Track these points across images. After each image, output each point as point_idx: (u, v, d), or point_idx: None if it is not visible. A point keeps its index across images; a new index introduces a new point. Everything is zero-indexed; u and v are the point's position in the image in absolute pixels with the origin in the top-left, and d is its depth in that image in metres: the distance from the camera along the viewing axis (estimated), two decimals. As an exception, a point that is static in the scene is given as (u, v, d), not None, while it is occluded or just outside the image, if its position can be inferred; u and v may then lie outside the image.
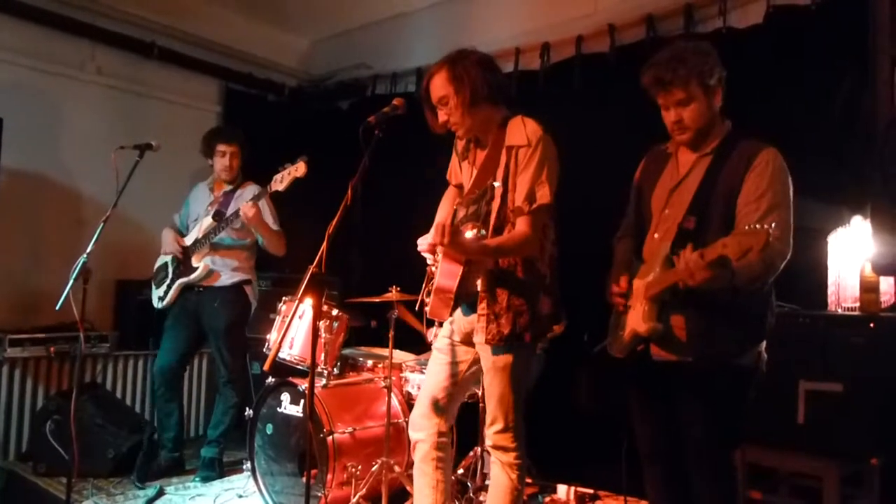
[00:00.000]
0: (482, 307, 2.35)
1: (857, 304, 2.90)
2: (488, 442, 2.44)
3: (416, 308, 2.61)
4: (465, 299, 2.41)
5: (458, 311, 2.48)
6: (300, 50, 5.98)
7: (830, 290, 3.03)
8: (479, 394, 3.00)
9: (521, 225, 2.30)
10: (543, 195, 2.29)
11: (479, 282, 2.36)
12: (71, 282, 3.01)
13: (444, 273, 2.33)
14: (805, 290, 3.01)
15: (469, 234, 2.28)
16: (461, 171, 2.61)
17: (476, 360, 2.46)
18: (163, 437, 3.96)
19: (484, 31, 4.59)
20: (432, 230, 2.51)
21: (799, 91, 3.25)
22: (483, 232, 2.28)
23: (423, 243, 2.50)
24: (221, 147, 3.93)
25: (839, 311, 2.98)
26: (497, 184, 2.34)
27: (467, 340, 2.47)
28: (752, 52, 3.37)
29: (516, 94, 4.23)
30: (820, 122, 3.16)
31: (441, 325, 2.61)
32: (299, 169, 3.48)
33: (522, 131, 2.34)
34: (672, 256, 2.11)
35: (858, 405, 2.62)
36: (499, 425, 2.38)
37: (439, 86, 2.36)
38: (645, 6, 3.88)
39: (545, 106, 3.64)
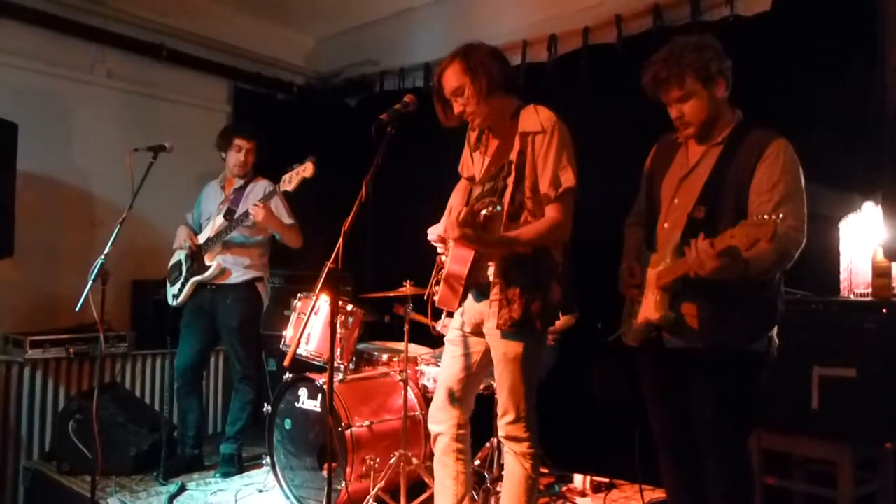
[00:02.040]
0: (495, 292, 2.36)
1: (870, 290, 2.90)
2: (501, 433, 2.46)
3: (425, 298, 2.64)
4: (475, 287, 2.44)
5: (470, 301, 2.50)
6: (307, 48, 6.01)
7: (843, 276, 3.03)
8: (494, 385, 3.03)
9: (550, 211, 2.33)
10: (568, 179, 2.32)
11: (490, 269, 2.38)
12: (90, 283, 3.06)
13: (455, 259, 2.36)
14: (817, 276, 3.01)
15: (484, 211, 2.30)
16: (473, 163, 2.63)
17: (489, 350, 2.47)
18: (184, 434, 4.01)
19: (490, 24, 4.59)
20: (443, 220, 2.54)
21: (808, 78, 3.24)
22: (498, 208, 2.30)
23: (433, 233, 2.52)
24: (238, 142, 3.96)
25: (852, 296, 2.98)
26: (513, 160, 2.37)
27: (478, 331, 2.49)
28: (760, 39, 3.37)
29: (524, 87, 4.23)
30: (830, 108, 3.15)
31: (450, 315, 2.63)
32: (307, 169, 3.50)
33: (536, 118, 2.37)
34: (682, 246, 2.13)
35: (872, 390, 2.63)
36: (510, 416, 2.41)
37: (454, 77, 2.38)
38: (651, -5, 3.88)
39: (553, 98, 3.64)
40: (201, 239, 3.95)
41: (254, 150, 3.99)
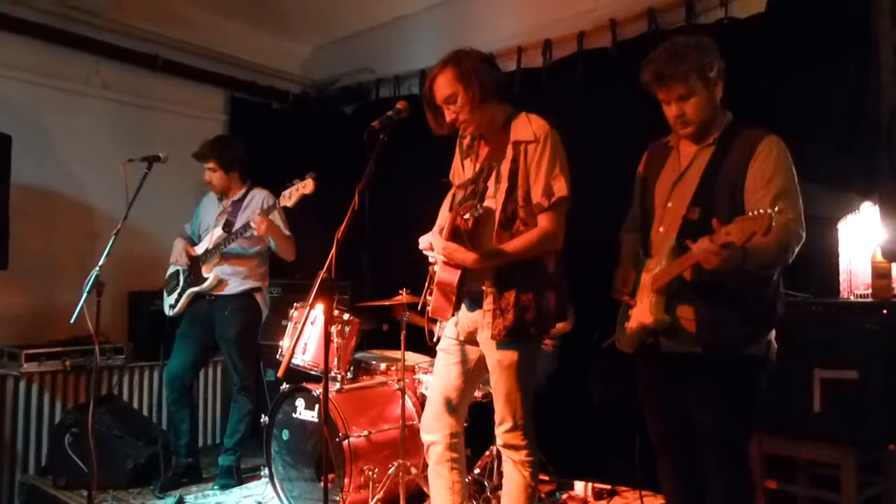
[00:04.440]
0: (488, 302, 2.35)
1: (870, 291, 2.88)
2: (499, 441, 2.44)
3: (419, 308, 2.61)
4: (468, 294, 2.41)
5: (463, 310, 2.48)
6: (303, 56, 6.00)
7: (842, 277, 3.01)
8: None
9: (542, 221, 2.32)
10: (560, 188, 2.31)
11: (483, 277, 2.36)
12: (84, 295, 3.04)
13: (446, 267, 2.34)
14: (817, 278, 3.00)
15: (466, 216, 2.29)
16: (463, 170, 2.61)
17: (483, 359, 2.45)
18: (176, 443, 3.97)
19: (485, 30, 4.59)
20: (434, 228, 2.52)
21: (804, 79, 3.22)
22: (479, 209, 2.28)
23: (424, 241, 2.50)
24: (205, 165, 3.96)
25: (852, 298, 2.96)
26: (494, 164, 2.36)
27: (472, 339, 2.47)
28: (755, 41, 3.35)
29: (519, 93, 4.23)
30: (827, 108, 3.14)
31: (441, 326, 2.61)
32: (307, 186, 3.48)
33: (528, 127, 2.36)
34: (678, 249, 2.12)
35: (874, 392, 2.60)
36: (508, 424, 2.38)
37: (446, 85, 2.36)
38: (645, -1, 3.87)
39: (549, 103, 3.63)
40: (199, 250, 3.93)
41: (218, 167, 3.92)
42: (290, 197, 3.55)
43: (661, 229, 2.29)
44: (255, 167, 4.12)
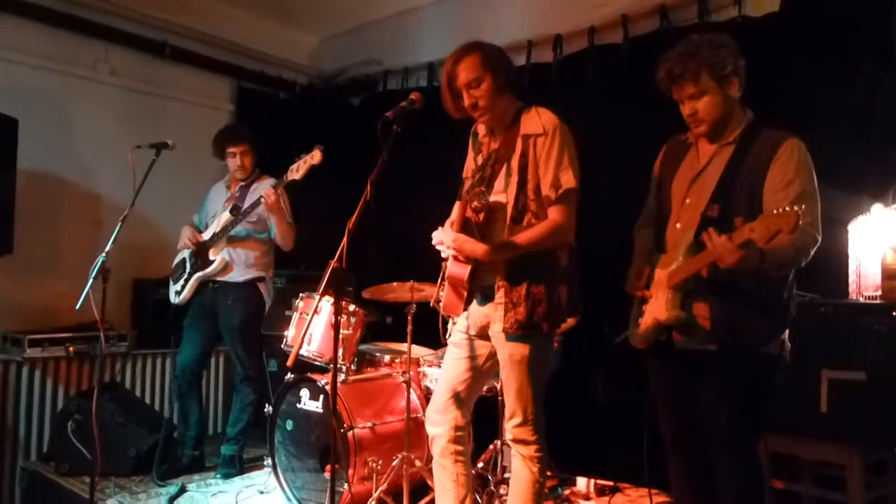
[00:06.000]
0: (500, 296, 2.34)
1: (879, 293, 2.87)
2: (508, 435, 2.44)
3: (431, 306, 2.60)
4: (479, 289, 2.40)
5: (474, 304, 2.47)
6: (310, 47, 5.99)
7: (851, 278, 3.00)
8: (499, 387, 3.00)
9: (552, 213, 2.32)
10: (568, 180, 2.30)
11: (495, 272, 2.35)
12: (90, 281, 3.03)
13: (456, 262, 2.33)
14: (825, 278, 2.98)
15: (475, 203, 2.29)
16: (476, 166, 2.60)
17: (493, 354, 2.45)
18: (185, 435, 3.97)
19: (495, 24, 4.57)
20: (447, 223, 2.51)
21: (816, 78, 3.21)
22: (487, 195, 2.28)
23: (436, 237, 2.49)
24: (231, 149, 3.94)
25: (861, 299, 2.95)
26: (502, 151, 2.37)
27: (483, 334, 2.46)
28: (769, 40, 3.33)
29: (529, 87, 4.21)
30: (839, 109, 3.13)
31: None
32: (315, 157, 3.50)
33: (538, 120, 2.35)
34: (696, 245, 2.12)
35: (882, 393, 2.59)
36: (518, 419, 2.38)
37: (471, 69, 2.35)
38: (658, -4, 3.85)
39: (559, 98, 3.61)
40: (206, 235, 3.92)
41: (249, 151, 3.95)
42: (297, 170, 3.56)
43: (677, 225, 2.28)
44: (261, 156, 4.11)
